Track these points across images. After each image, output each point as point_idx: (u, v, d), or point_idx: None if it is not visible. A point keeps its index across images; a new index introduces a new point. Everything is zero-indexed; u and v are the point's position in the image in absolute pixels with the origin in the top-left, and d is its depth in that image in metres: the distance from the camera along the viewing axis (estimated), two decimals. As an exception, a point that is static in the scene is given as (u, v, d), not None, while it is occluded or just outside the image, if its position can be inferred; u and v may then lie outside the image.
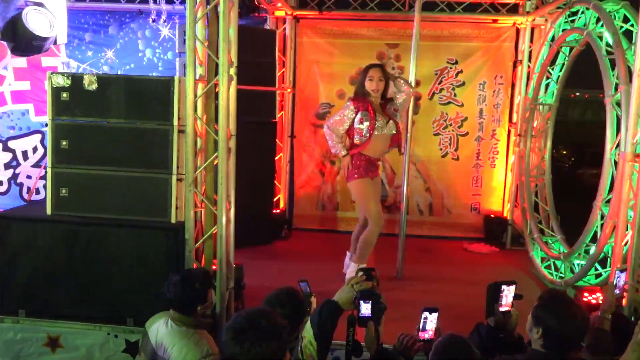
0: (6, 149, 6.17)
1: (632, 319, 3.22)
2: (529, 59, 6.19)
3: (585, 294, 3.94)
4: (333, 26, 6.51)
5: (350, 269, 4.70)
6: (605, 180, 4.26)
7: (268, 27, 6.32)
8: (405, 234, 5.05)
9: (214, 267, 3.62)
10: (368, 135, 4.50)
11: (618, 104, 4.09)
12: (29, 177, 6.26)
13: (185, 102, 3.49)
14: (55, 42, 5.13)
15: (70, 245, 3.71)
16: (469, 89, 6.47)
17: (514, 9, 6.28)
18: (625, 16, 4.15)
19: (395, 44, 6.47)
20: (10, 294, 3.77)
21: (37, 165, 6.23)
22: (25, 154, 6.24)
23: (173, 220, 3.67)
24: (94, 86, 3.65)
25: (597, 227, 4.29)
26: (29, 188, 6.20)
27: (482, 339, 2.57)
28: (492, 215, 6.49)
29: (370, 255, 4.70)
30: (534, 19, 6.07)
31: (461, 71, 6.45)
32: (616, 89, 4.13)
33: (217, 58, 3.43)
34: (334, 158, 6.67)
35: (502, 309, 2.59)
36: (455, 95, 6.50)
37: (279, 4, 6.07)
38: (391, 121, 4.61)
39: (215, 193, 3.59)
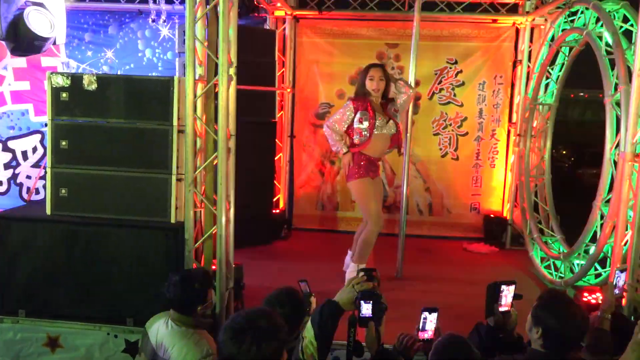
0: (6, 149, 6.17)
1: (632, 318, 3.22)
2: (529, 59, 6.20)
3: (585, 294, 3.94)
4: (333, 26, 6.51)
5: (350, 269, 4.70)
6: (604, 180, 4.26)
7: (268, 27, 6.32)
8: (404, 234, 5.05)
9: (213, 267, 3.62)
10: (368, 134, 4.50)
11: (618, 104, 4.09)
12: (28, 177, 6.26)
13: (184, 102, 3.49)
14: (54, 42, 5.12)
15: (70, 245, 3.71)
16: (468, 89, 6.47)
17: (513, 9, 6.28)
18: (624, 16, 4.15)
19: (394, 44, 6.47)
20: (10, 294, 3.77)
21: (36, 165, 6.23)
22: (25, 154, 6.24)
23: (173, 220, 3.67)
24: (94, 86, 3.65)
25: (596, 227, 4.29)
26: (28, 188, 6.20)
27: (482, 339, 2.57)
28: (491, 215, 6.49)
29: (370, 255, 4.70)
30: (533, 19, 6.08)
31: (461, 71, 6.45)
32: (616, 89, 4.13)
33: (217, 58, 3.43)
34: (333, 158, 6.67)
35: (501, 309, 2.59)
36: (454, 95, 6.50)
37: (279, 4, 6.07)
38: (391, 121, 4.61)
39: (214, 193, 3.59)
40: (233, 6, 3.45)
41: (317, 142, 6.67)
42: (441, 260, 5.78)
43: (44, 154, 6.02)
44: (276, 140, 6.32)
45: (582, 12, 4.84)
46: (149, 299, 3.46)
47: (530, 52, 6.22)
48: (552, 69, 5.67)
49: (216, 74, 3.46)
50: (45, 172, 3.79)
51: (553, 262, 5.12)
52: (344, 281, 4.63)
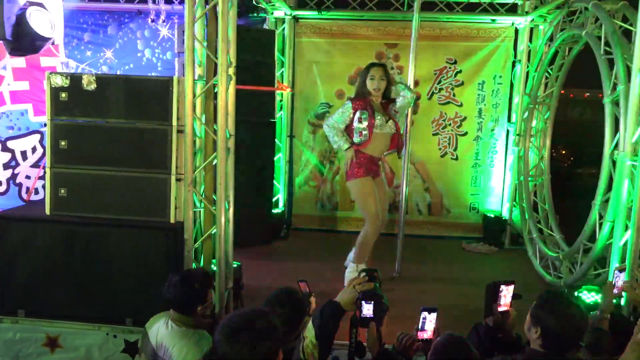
0: (5, 149, 6.17)
1: (631, 318, 3.22)
2: (528, 59, 6.20)
3: (584, 294, 3.95)
4: (332, 26, 6.51)
5: (349, 269, 4.70)
6: (603, 179, 4.25)
7: (267, 27, 6.32)
8: (404, 234, 5.05)
9: (213, 267, 3.62)
10: (367, 134, 4.50)
11: (617, 104, 4.09)
12: (28, 177, 6.25)
13: (184, 102, 3.49)
14: (53, 42, 5.12)
15: (69, 245, 3.71)
16: (468, 88, 6.48)
17: (512, 9, 6.29)
18: (624, 16, 4.15)
19: (394, 44, 6.47)
20: (10, 294, 3.77)
21: (36, 165, 6.23)
22: (24, 154, 6.23)
23: (172, 220, 3.67)
24: (93, 86, 3.65)
25: (595, 226, 4.29)
26: (27, 188, 6.20)
27: (481, 339, 2.57)
28: (491, 215, 6.50)
29: (370, 255, 4.71)
30: (532, 19, 6.08)
31: (460, 71, 6.46)
32: (615, 89, 4.13)
33: (216, 58, 3.43)
34: (333, 158, 6.68)
35: (500, 308, 2.59)
36: (454, 95, 6.50)
37: (278, 4, 6.07)
38: (391, 120, 4.61)
39: (214, 193, 3.59)
40: (232, 6, 3.45)
41: (317, 141, 6.67)
42: (440, 260, 5.78)
43: (43, 154, 6.02)
44: (275, 140, 6.32)
45: (581, 12, 4.85)
46: (148, 299, 3.45)
47: (529, 52, 6.23)
48: (551, 69, 5.67)
49: (215, 74, 3.47)
50: (45, 172, 3.79)
51: (552, 262, 5.12)
52: (344, 280, 4.67)
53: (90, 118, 3.70)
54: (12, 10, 3.77)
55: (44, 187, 4.67)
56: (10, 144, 6.18)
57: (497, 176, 6.58)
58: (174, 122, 3.61)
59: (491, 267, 5.59)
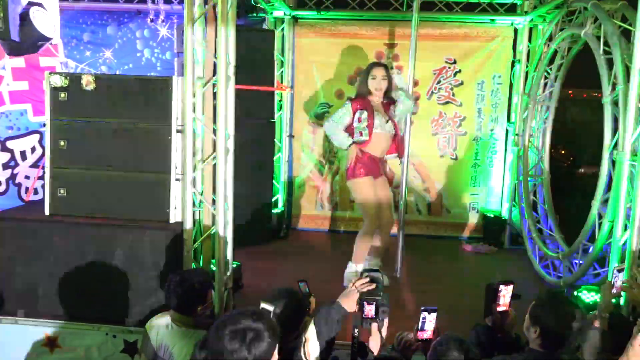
0: (4, 149, 6.16)
1: (630, 318, 3.22)
2: (527, 59, 6.20)
3: (583, 294, 3.95)
4: (331, 26, 6.51)
5: (348, 269, 4.71)
6: (603, 179, 4.26)
7: (266, 27, 6.32)
8: (403, 234, 5.05)
9: (212, 267, 3.62)
10: (368, 133, 4.51)
11: (616, 104, 4.09)
12: (27, 177, 6.25)
13: (183, 102, 3.49)
14: (50, 42, 5.11)
15: (69, 245, 3.71)
16: (467, 88, 6.47)
17: (512, 9, 6.29)
18: (623, 15, 4.15)
19: (393, 44, 6.47)
20: (9, 295, 3.77)
21: (35, 165, 6.22)
22: (23, 154, 6.23)
23: (171, 221, 3.68)
24: (92, 86, 3.65)
25: (595, 226, 4.29)
26: (27, 188, 6.19)
27: (480, 339, 2.58)
28: (490, 215, 6.49)
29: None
30: (532, 19, 6.08)
31: (459, 71, 6.46)
32: (614, 88, 4.13)
33: (215, 58, 3.43)
34: (332, 158, 6.68)
35: (499, 308, 2.60)
36: (453, 94, 6.50)
37: (277, 4, 6.07)
38: (390, 121, 4.62)
39: (213, 193, 3.59)
40: (231, 6, 3.45)
41: (316, 142, 6.67)
42: (440, 260, 5.79)
43: (43, 154, 6.01)
44: (275, 140, 6.32)
45: (580, 12, 4.85)
46: (147, 299, 3.46)
47: (528, 51, 6.22)
48: (551, 69, 5.67)
49: (215, 73, 3.47)
50: (44, 172, 3.79)
51: (552, 262, 5.12)
52: (343, 280, 4.67)
53: (90, 118, 3.70)
54: (15, 10, 3.76)
55: (43, 187, 4.67)
56: (9, 144, 6.17)
57: (496, 176, 6.58)
58: (173, 122, 3.61)
59: (491, 267, 5.59)
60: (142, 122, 3.66)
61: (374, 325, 2.29)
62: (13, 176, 6.23)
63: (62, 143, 3.70)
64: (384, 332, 2.34)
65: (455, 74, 6.47)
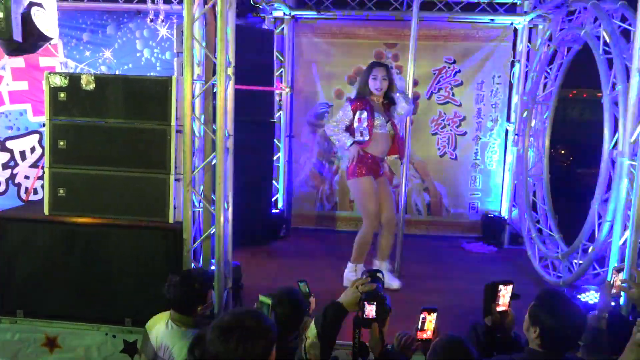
0: (4, 149, 6.15)
1: (630, 317, 3.22)
2: (527, 59, 6.20)
3: (583, 293, 3.95)
4: (331, 26, 6.51)
5: (348, 269, 4.71)
6: (603, 179, 4.26)
7: (266, 27, 6.32)
8: (403, 234, 5.05)
9: (212, 267, 3.62)
10: (368, 134, 4.52)
11: (616, 103, 4.09)
12: (27, 177, 6.24)
13: (183, 102, 3.48)
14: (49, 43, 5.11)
15: (68, 245, 3.71)
16: (467, 88, 6.48)
17: (511, 9, 6.29)
18: (622, 15, 4.15)
19: (393, 44, 6.47)
20: (8, 295, 3.77)
21: (35, 165, 6.22)
22: (23, 154, 6.22)
23: (171, 221, 3.67)
24: (92, 86, 3.65)
25: (595, 226, 4.29)
26: (26, 188, 6.19)
27: (479, 339, 2.57)
28: (490, 215, 6.50)
29: (368, 254, 4.71)
30: (531, 19, 6.08)
31: (459, 71, 6.46)
32: (614, 88, 4.13)
33: (215, 58, 3.43)
34: (332, 158, 6.68)
35: (499, 308, 2.59)
36: (453, 94, 6.50)
37: (277, 4, 6.07)
38: (390, 122, 4.62)
39: (213, 193, 3.59)
40: (231, 6, 3.45)
41: (316, 141, 6.67)
42: (439, 260, 5.78)
43: (42, 154, 6.00)
44: (275, 140, 6.32)
45: (580, 12, 4.85)
46: (147, 299, 3.46)
47: (528, 51, 6.23)
48: (550, 69, 5.67)
49: (214, 73, 3.46)
50: (44, 172, 3.79)
51: (551, 262, 5.12)
52: (343, 280, 4.67)
53: (89, 118, 3.69)
54: (17, 10, 3.75)
55: (42, 187, 4.67)
56: (9, 144, 6.17)
57: (496, 176, 6.58)
58: (173, 122, 3.60)
59: (490, 267, 5.59)
60: (142, 122, 3.66)
61: (375, 326, 2.29)
62: (13, 176, 6.23)
63: (61, 143, 3.70)
64: (385, 332, 2.34)
65: (455, 74, 6.47)
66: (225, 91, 3.43)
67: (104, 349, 3.71)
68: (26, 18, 4.43)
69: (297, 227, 6.64)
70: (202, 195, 3.65)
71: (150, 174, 3.68)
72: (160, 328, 2.95)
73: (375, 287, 2.29)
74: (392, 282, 4.58)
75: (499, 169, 6.57)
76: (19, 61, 6.05)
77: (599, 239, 4.08)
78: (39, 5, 4.85)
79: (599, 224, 4.16)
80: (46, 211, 3.77)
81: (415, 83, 5.48)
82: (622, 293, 3.20)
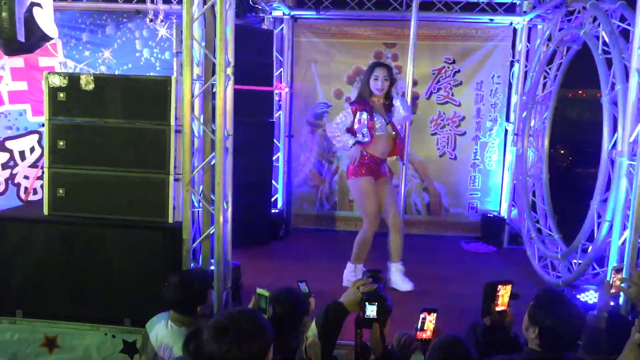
0: (3, 149, 6.15)
1: (630, 318, 3.23)
2: (526, 58, 6.21)
3: (582, 293, 3.95)
4: (330, 26, 6.51)
5: (348, 269, 4.71)
6: (602, 179, 4.26)
7: (265, 27, 6.32)
8: (403, 234, 5.04)
9: (211, 267, 3.62)
10: (369, 135, 4.52)
11: (615, 103, 4.09)
12: (26, 177, 6.24)
13: (182, 102, 3.48)
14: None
15: (68, 245, 3.71)
16: (466, 88, 6.48)
17: (511, 9, 6.29)
18: (622, 15, 4.15)
19: (392, 44, 6.48)
20: (8, 295, 3.77)
21: (34, 165, 6.22)
22: (22, 154, 6.22)
23: (170, 221, 3.67)
24: (91, 86, 3.64)
25: (594, 226, 4.29)
26: (26, 188, 6.19)
27: (478, 339, 2.57)
28: (489, 215, 6.50)
29: (368, 254, 4.71)
30: (530, 19, 6.08)
31: (458, 70, 6.46)
32: (613, 88, 4.13)
33: (214, 58, 3.43)
34: (331, 158, 6.68)
35: (498, 308, 2.59)
36: (452, 94, 6.51)
37: (276, 4, 6.07)
38: (391, 123, 4.62)
39: (212, 193, 3.59)
40: (230, 6, 3.45)
41: (315, 141, 6.67)
42: (439, 260, 5.78)
43: (42, 154, 6.00)
44: (274, 140, 6.32)
45: (579, 12, 4.85)
46: (146, 299, 3.46)
47: (527, 51, 6.24)
48: (550, 69, 5.68)
49: (214, 73, 3.46)
50: (43, 172, 3.79)
51: (551, 262, 5.12)
52: (342, 280, 4.67)
53: (89, 118, 3.69)
54: (21, 10, 3.75)
55: (42, 187, 4.66)
56: (8, 144, 6.17)
57: (495, 176, 6.59)
58: (172, 122, 3.60)
59: (490, 267, 5.59)
60: (141, 122, 3.66)
61: (376, 326, 2.29)
62: (12, 176, 6.23)
63: (60, 143, 3.69)
64: (385, 333, 2.33)
65: (454, 74, 6.47)
66: (225, 91, 3.43)
67: (103, 349, 3.70)
68: (28, 18, 4.44)
69: (296, 227, 6.64)
70: (202, 195, 3.65)
71: (150, 174, 3.67)
72: (160, 328, 2.95)
73: (376, 288, 2.29)
74: (403, 284, 4.58)
75: (498, 168, 6.57)
76: (19, 61, 6.05)
77: (598, 238, 4.08)
78: (39, 5, 4.85)
79: (599, 224, 4.16)
80: (45, 211, 3.76)
81: (415, 83, 5.49)
82: (621, 293, 3.20)
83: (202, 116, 3.61)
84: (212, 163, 3.53)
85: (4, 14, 3.33)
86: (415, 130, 6.11)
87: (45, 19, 4.82)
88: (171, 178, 3.64)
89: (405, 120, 4.74)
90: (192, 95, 3.46)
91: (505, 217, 6.41)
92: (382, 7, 6.30)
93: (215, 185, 3.49)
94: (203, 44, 3.54)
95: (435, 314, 2.43)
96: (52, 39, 4.53)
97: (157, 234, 3.65)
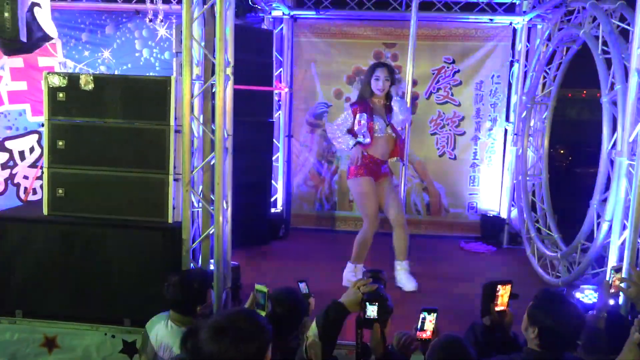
0: (3, 149, 6.15)
1: (629, 317, 3.22)
2: (526, 58, 6.21)
3: (582, 293, 3.95)
4: (330, 26, 6.51)
5: (347, 268, 4.71)
6: (601, 179, 4.26)
7: (265, 27, 6.32)
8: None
9: (211, 267, 3.62)
10: (369, 136, 4.53)
11: (614, 103, 4.09)
12: (26, 177, 6.24)
13: (182, 102, 3.48)
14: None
15: (67, 245, 3.71)
16: (466, 88, 6.48)
17: (510, 9, 6.29)
18: (621, 15, 4.15)
19: (392, 44, 6.48)
20: (7, 295, 3.76)
21: (34, 165, 6.21)
22: (22, 154, 6.22)
23: (170, 221, 3.67)
24: (91, 86, 3.64)
25: (593, 226, 4.29)
26: (25, 188, 6.19)
27: (478, 339, 2.57)
28: (489, 215, 6.50)
29: (368, 254, 4.71)
30: (530, 18, 6.08)
31: (458, 70, 6.46)
32: (612, 88, 4.13)
33: (214, 58, 3.43)
34: (331, 158, 6.68)
35: (497, 308, 2.59)
36: (452, 94, 6.51)
37: (276, 4, 6.07)
38: (390, 125, 4.62)
39: (212, 193, 3.59)
40: (230, 6, 3.45)
41: (315, 141, 6.67)
42: (438, 260, 5.78)
43: (41, 154, 5.99)
44: (274, 140, 6.32)
45: (578, 12, 4.85)
46: (146, 299, 3.46)
47: (527, 51, 6.24)
48: (549, 69, 5.68)
49: (213, 73, 3.46)
50: (42, 172, 3.78)
51: (550, 261, 5.13)
52: (342, 280, 4.67)
53: (88, 118, 3.69)
54: (23, 10, 3.75)
55: (41, 187, 4.66)
56: (8, 144, 6.16)
57: (495, 176, 6.59)
58: (172, 122, 3.60)
59: (489, 267, 5.59)
60: (141, 122, 3.66)
61: (376, 326, 2.29)
62: (12, 176, 6.23)
63: (60, 143, 3.69)
64: (386, 333, 2.33)
65: (454, 74, 6.47)
66: (224, 91, 3.43)
67: (103, 349, 3.70)
68: (30, 18, 4.44)
69: (296, 227, 6.64)
70: (201, 195, 3.65)
71: (149, 174, 3.67)
72: (160, 328, 2.95)
73: (376, 288, 2.29)
74: (407, 284, 4.58)
75: (498, 168, 6.57)
76: (18, 61, 6.05)
77: (597, 238, 4.08)
78: (38, 5, 4.85)
79: (598, 224, 4.16)
80: (45, 211, 3.76)
81: (415, 83, 5.49)
82: (621, 292, 3.19)
83: (201, 116, 3.61)
84: (211, 163, 3.53)
85: (6, 14, 3.33)
86: (414, 130, 6.11)
87: (45, 19, 4.82)
88: (171, 178, 3.64)
89: (404, 123, 4.73)
90: (192, 95, 3.46)
91: (505, 217, 6.41)
92: (381, 7, 6.30)
93: (214, 185, 3.49)
94: (203, 44, 3.54)
95: (435, 314, 2.43)
96: (52, 38, 4.54)
97: (156, 234, 3.65)
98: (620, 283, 3.11)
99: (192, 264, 3.57)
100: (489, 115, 6.50)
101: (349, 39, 6.50)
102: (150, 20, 5.48)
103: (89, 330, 3.70)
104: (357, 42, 6.50)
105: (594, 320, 2.83)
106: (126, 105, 3.65)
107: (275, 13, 6.34)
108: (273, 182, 6.41)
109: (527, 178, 5.90)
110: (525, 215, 5.80)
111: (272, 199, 6.43)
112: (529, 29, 6.24)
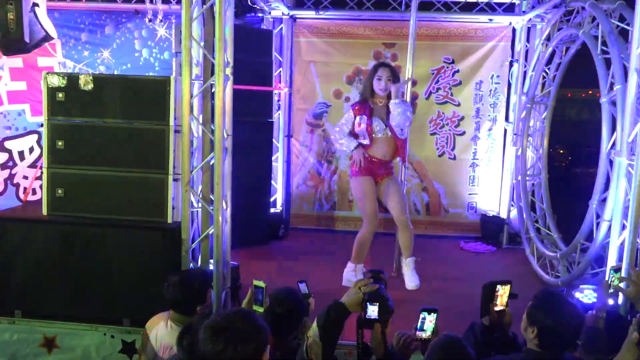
0: (2, 149, 6.14)
1: (628, 317, 3.22)
2: (525, 58, 6.21)
3: (581, 293, 3.95)
4: (330, 26, 6.52)
5: (348, 268, 4.71)
6: (601, 179, 4.27)
7: (264, 27, 6.32)
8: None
9: (210, 267, 3.62)
10: (369, 137, 4.53)
11: (614, 103, 4.10)
12: (25, 177, 6.24)
13: (181, 102, 3.48)
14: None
15: (67, 245, 3.71)
16: (465, 88, 6.48)
17: (510, 9, 6.30)
18: (621, 15, 4.15)
19: (391, 44, 6.48)
20: (7, 295, 3.76)
21: (33, 165, 6.21)
22: (21, 155, 6.22)
23: (169, 221, 3.67)
24: (90, 86, 3.64)
25: (593, 225, 4.30)
26: (25, 188, 6.18)
27: (477, 339, 2.58)
28: (488, 215, 6.50)
29: (369, 254, 4.71)
30: (530, 18, 6.08)
31: (458, 70, 6.46)
32: (612, 88, 4.14)
33: (213, 58, 3.43)
34: (330, 158, 6.68)
35: (497, 308, 2.59)
36: (451, 94, 6.51)
37: (276, 4, 6.07)
38: (389, 126, 4.62)
39: (211, 193, 3.58)
40: (229, 6, 3.45)
41: (314, 141, 6.67)
42: (438, 260, 5.78)
43: (41, 154, 6.00)
44: (273, 140, 6.32)
45: (578, 12, 4.86)
46: (145, 299, 3.46)
47: (526, 51, 6.24)
48: (549, 68, 5.68)
49: (213, 73, 3.46)
50: (42, 173, 3.78)
51: (550, 261, 5.13)
52: (342, 280, 4.67)
53: (87, 118, 3.69)
54: (27, 11, 3.75)
55: (41, 187, 4.66)
56: (7, 144, 6.16)
57: (495, 176, 6.59)
58: (171, 122, 3.60)
59: (489, 267, 5.59)
60: (140, 122, 3.66)
61: (377, 326, 2.29)
62: (11, 176, 6.22)
63: (59, 143, 3.69)
64: (387, 333, 2.34)
65: (453, 74, 6.48)
66: (224, 91, 3.42)
67: (102, 349, 3.70)
68: (32, 18, 4.44)
69: (295, 227, 6.64)
70: (201, 195, 3.65)
71: (149, 174, 3.68)
72: (160, 328, 2.95)
73: (377, 288, 2.29)
74: (409, 281, 4.57)
75: (497, 168, 6.57)
76: (17, 61, 6.04)
77: (597, 238, 4.09)
78: (37, 4, 4.85)
79: (597, 224, 4.17)
80: (45, 211, 3.76)
81: (414, 83, 5.49)
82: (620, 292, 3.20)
83: (201, 116, 3.61)
84: (211, 163, 3.53)
85: (10, 15, 3.32)
86: (414, 130, 6.10)
87: (45, 19, 4.82)
88: (170, 178, 3.64)
89: (404, 122, 4.68)
90: (191, 95, 3.46)
91: (505, 217, 6.41)
92: (381, 7, 6.31)
93: (214, 185, 3.49)
94: (202, 44, 3.54)
95: (435, 314, 2.43)
96: (53, 38, 4.54)
97: (156, 234, 3.65)
98: (620, 283, 3.11)
99: (191, 264, 3.57)
100: (489, 115, 6.51)
101: (348, 39, 6.50)
102: (150, 20, 5.49)
103: (89, 331, 3.70)
104: (357, 42, 6.50)
105: (593, 320, 2.83)
106: (126, 105, 3.65)
107: (274, 13, 6.34)
108: (272, 182, 6.41)
109: (527, 178, 5.91)
110: (524, 215, 5.80)
111: (272, 199, 6.43)
112: (529, 29, 6.25)
